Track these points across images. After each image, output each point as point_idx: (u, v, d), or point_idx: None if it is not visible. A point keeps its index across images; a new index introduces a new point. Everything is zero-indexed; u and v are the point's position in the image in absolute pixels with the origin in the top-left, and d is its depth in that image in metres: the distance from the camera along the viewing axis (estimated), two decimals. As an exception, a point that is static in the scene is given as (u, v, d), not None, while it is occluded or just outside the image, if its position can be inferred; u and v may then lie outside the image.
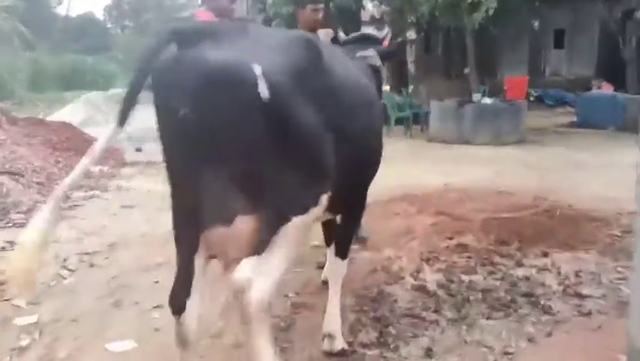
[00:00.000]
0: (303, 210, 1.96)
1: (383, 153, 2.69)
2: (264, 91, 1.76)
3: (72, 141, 8.80)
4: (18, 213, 5.33)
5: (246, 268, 1.84)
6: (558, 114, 14.54)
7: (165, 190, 1.99)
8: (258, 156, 1.82)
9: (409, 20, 14.11)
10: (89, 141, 9.26)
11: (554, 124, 12.39)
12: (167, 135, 1.89)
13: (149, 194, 6.39)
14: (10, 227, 4.95)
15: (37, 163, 7.12)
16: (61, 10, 50.68)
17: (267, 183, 1.85)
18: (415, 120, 11.71)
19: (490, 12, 9.16)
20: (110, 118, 9.27)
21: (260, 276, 1.85)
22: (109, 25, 53.04)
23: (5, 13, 30.76)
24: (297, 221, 1.92)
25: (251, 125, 1.79)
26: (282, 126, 1.83)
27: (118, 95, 12.60)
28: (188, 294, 1.98)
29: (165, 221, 2.06)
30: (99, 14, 54.43)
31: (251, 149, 1.81)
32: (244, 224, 1.85)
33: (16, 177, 6.40)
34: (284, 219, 1.90)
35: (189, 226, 1.92)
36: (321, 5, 3.99)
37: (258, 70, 1.77)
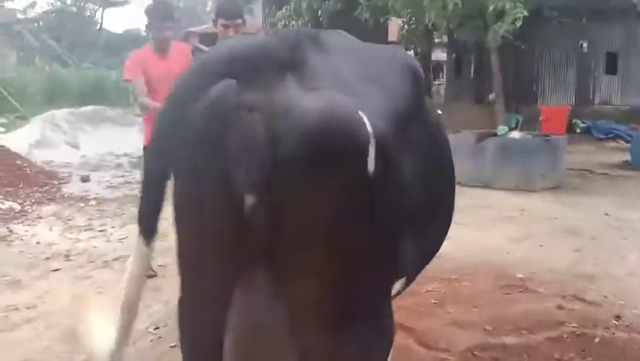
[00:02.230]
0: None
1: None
2: (371, 163, 1.14)
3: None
4: None
5: None
6: (608, 150, 12.29)
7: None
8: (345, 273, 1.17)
9: (436, 39, 12.42)
10: (22, 169, 7.77)
11: (603, 163, 10.19)
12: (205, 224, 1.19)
13: (24, 250, 4.73)
14: None
15: None
16: (105, 26, 51.51)
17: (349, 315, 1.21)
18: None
19: (518, 23, 7.19)
20: (68, 139, 7.61)
21: None
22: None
23: (35, 25, 30.66)
24: None
25: (347, 223, 1.15)
26: (378, 213, 1.19)
27: (88, 112, 11.15)
28: None
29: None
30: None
31: (337, 262, 1.15)
32: None
33: None
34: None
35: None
36: (238, 21, 3.41)
37: (369, 127, 1.14)
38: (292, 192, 1.10)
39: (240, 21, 3.41)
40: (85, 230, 5.44)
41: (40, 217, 5.97)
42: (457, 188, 6.49)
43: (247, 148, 1.09)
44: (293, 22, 13.19)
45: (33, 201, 6.68)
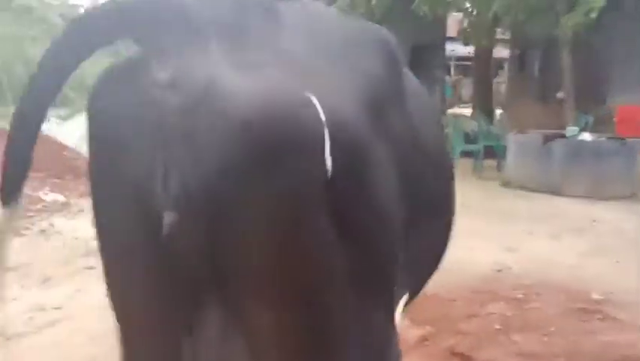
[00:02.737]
0: None
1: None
2: (328, 158, 0.86)
3: (46, 161, 7.27)
4: None
5: None
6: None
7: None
8: (306, 291, 0.90)
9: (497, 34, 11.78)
10: (70, 160, 7.76)
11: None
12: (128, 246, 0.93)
13: (61, 245, 4.59)
14: None
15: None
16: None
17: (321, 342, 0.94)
18: (491, 155, 9.20)
19: (593, 14, 6.55)
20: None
21: None
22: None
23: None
24: None
25: (299, 233, 0.87)
26: (349, 219, 0.91)
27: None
28: None
29: None
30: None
31: (293, 279, 0.89)
32: None
33: None
34: None
35: None
36: None
37: (321, 111, 0.86)
38: (226, 201, 0.83)
39: None
40: (125, 225, 5.29)
41: (83, 211, 5.85)
42: (521, 193, 6.00)
43: (160, 145, 0.82)
44: (348, 16, 12.83)
45: (78, 193, 6.60)
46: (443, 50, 18.87)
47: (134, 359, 1.03)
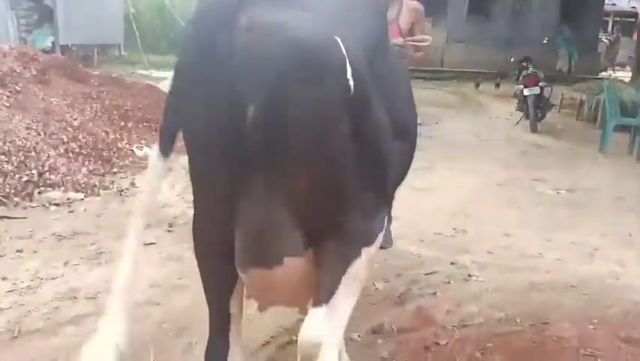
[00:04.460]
0: (375, 237, 1.58)
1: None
2: (350, 79, 1.37)
3: (151, 110, 6.96)
4: None
5: (315, 330, 1.46)
6: None
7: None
8: (334, 169, 1.41)
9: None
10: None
11: None
12: (206, 139, 1.42)
13: (129, 213, 4.11)
14: None
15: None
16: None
17: (339, 205, 1.46)
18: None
19: None
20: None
21: (330, 340, 1.46)
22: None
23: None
24: (369, 253, 1.55)
25: (332, 127, 1.38)
26: (359, 127, 1.44)
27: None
28: (226, 347, 1.63)
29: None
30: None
31: (328, 160, 1.40)
32: (296, 266, 1.45)
33: None
34: (356, 253, 1.51)
35: (225, 263, 1.51)
36: None
37: (343, 48, 1.36)
38: (288, 101, 1.30)
39: None
40: (206, 192, 4.77)
41: (171, 170, 5.42)
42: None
43: (246, 65, 1.29)
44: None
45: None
46: (601, 3, 16.33)
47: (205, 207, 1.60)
